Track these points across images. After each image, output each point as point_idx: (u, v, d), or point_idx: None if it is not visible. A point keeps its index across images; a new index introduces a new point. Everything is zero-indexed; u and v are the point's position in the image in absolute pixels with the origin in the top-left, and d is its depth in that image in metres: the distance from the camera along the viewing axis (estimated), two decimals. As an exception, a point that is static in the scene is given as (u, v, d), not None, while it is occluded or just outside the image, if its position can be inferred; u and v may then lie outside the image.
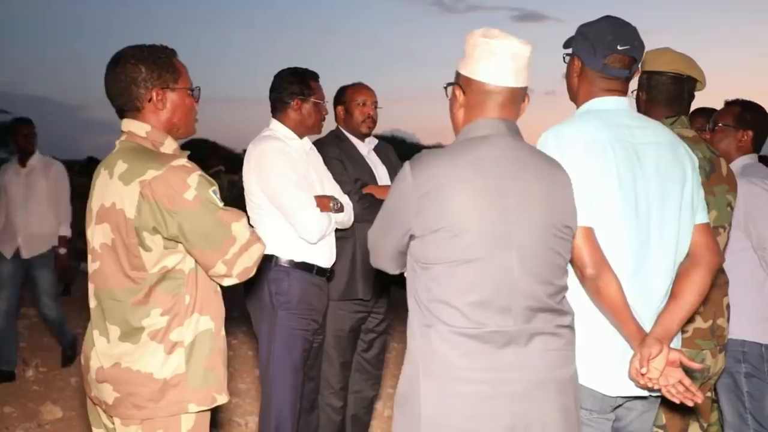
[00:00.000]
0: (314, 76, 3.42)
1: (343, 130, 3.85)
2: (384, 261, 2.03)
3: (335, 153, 3.59)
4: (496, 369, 1.83)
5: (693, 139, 2.71)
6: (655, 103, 2.73)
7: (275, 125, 3.38)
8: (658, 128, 2.21)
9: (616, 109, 2.18)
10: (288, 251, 3.22)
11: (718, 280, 2.69)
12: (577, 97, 2.26)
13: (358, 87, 3.81)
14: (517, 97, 1.96)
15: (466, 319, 1.83)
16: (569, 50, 2.27)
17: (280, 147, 3.24)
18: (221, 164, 13.11)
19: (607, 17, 2.22)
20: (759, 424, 2.95)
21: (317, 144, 3.58)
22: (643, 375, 1.99)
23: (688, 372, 2.08)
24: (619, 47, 2.15)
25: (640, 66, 2.70)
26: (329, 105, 3.58)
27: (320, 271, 3.30)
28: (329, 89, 3.54)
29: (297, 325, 3.23)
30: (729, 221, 2.79)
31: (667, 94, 2.72)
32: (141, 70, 2.14)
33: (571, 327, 1.94)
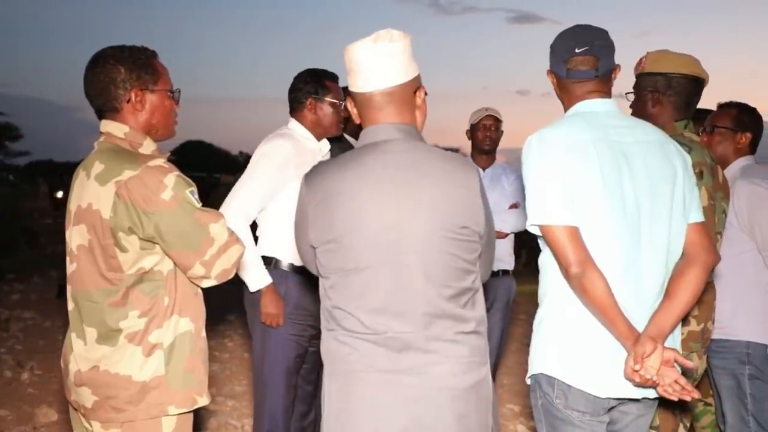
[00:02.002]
0: (331, 77, 3.37)
1: (343, 133, 3.83)
2: (313, 269, 2.03)
3: (335, 154, 3.56)
4: (393, 372, 1.84)
5: (700, 143, 2.72)
6: (671, 104, 2.71)
7: (293, 124, 3.35)
8: (647, 128, 2.21)
9: (603, 110, 2.18)
10: (289, 254, 3.20)
11: (710, 283, 2.70)
12: (565, 107, 2.28)
13: None
14: (397, 97, 1.92)
15: (363, 325, 1.85)
16: None
17: (285, 149, 3.18)
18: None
19: (573, 26, 2.25)
20: (760, 426, 2.94)
21: None
22: (636, 372, 1.99)
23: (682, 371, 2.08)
24: (577, 50, 2.18)
25: (644, 65, 2.71)
26: None
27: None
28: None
29: (292, 329, 3.21)
30: (723, 226, 2.79)
31: (686, 97, 2.71)
32: (120, 71, 2.13)
33: (476, 333, 1.91)
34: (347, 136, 3.82)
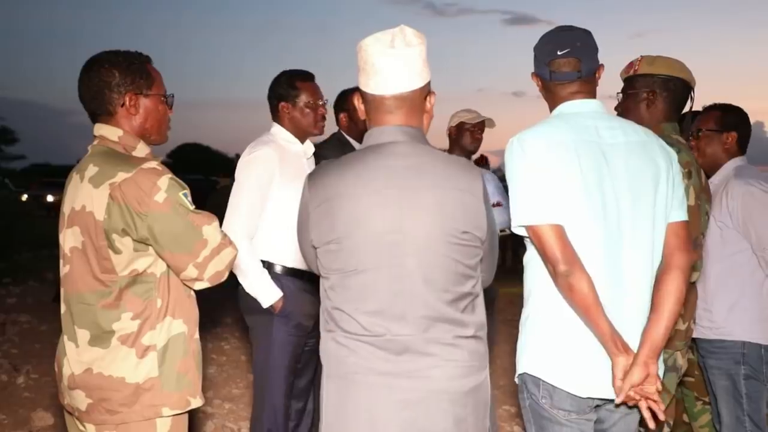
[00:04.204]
0: (303, 76, 3.32)
1: (346, 135, 3.82)
2: (314, 268, 2.03)
3: (332, 156, 3.51)
4: (391, 375, 1.84)
5: (687, 146, 2.76)
6: (664, 105, 2.75)
7: (275, 129, 3.32)
8: (630, 128, 2.21)
9: (586, 111, 2.19)
10: (281, 258, 3.21)
11: (693, 283, 2.73)
12: (550, 110, 2.29)
13: None
14: (409, 102, 1.91)
15: (362, 327, 1.85)
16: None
17: (267, 157, 3.16)
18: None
19: (555, 28, 2.27)
20: (756, 425, 2.95)
21: (317, 147, 3.51)
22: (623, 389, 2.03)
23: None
24: (558, 52, 2.19)
25: (638, 67, 2.74)
26: (330, 109, 3.50)
27: (312, 277, 3.28)
28: (323, 92, 3.46)
29: (291, 331, 3.22)
30: (706, 228, 2.82)
31: (679, 100, 2.76)
32: (114, 75, 2.14)
33: (475, 337, 1.91)
34: (349, 138, 3.81)
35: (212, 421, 4.67)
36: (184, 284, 2.17)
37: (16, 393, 5.21)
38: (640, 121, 2.71)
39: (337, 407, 1.89)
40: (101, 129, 2.18)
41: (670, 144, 2.58)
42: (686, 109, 2.86)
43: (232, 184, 3.31)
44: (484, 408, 1.92)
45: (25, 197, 27.76)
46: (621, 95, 2.84)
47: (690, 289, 2.70)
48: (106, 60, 2.16)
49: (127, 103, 2.16)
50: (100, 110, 2.17)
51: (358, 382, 1.85)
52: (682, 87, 2.75)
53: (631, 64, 2.80)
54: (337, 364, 1.89)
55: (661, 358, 2.18)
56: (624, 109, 2.80)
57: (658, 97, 2.74)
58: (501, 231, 3.96)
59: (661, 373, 2.14)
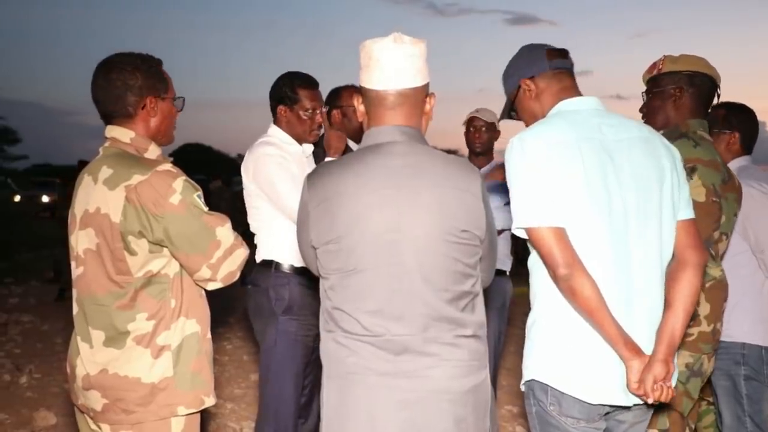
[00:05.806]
0: (304, 82, 3.27)
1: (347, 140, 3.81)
2: (314, 270, 2.03)
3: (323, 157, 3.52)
4: (390, 375, 1.84)
5: (710, 142, 2.73)
6: (691, 101, 2.73)
7: (272, 131, 3.31)
8: (630, 125, 2.18)
9: (585, 108, 2.18)
10: (288, 257, 3.19)
11: (720, 282, 2.70)
12: (543, 111, 2.24)
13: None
14: (411, 99, 1.93)
15: (362, 326, 1.85)
16: (511, 112, 2.34)
17: (272, 151, 3.18)
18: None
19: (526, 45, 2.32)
20: (757, 426, 2.94)
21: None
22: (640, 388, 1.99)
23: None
24: (547, 48, 2.24)
25: (661, 66, 2.75)
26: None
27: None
28: (322, 93, 3.44)
29: (298, 330, 3.20)
30: (732, 229, 2.79)
31: (708, 98, 2.75)
32: (138, 78, 2.15)
33: (475, 336, 1.90)
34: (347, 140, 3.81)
35: (214, 421, 4.68)
36: (197, 284, 2.19)
37: (19, 393, 5.22)
38: (666, 119, 2.72)
39: (336, 407, 1.89)
40: (113, 131, 2.20)
41: (691, 138, 2.58)
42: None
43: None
44: (484, 407, 1.92)
45: (17, 198, 28.25)
46: (645, 95, 2.81)
47: (719, 286, 2.68)
48: (128, 63, 2.16)
49: (148, 105, 2.17)
50: (118, 112, 2.18)
51: (358, 382, 1.86)
52: (709, 83, 2.72)
53: (654, 65, 2.77)
54: (337, 365, 1.89)
55: (675, 360, 2.15)
56: (650, 109, 2.77)
57: (684, 93, 2.71)
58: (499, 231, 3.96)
59: (675, 373, 2.10)
